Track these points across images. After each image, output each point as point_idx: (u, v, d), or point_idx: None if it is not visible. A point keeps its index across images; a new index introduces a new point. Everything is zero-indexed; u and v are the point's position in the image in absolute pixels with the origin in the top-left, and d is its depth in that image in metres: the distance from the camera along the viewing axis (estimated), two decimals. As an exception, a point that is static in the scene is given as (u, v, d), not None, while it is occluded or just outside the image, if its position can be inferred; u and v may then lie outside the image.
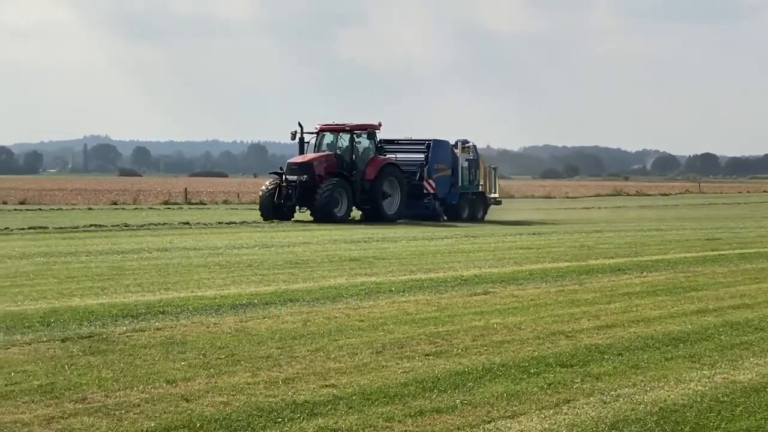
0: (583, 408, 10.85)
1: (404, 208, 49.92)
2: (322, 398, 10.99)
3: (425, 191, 51.11)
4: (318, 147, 50.19)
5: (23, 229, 38.03)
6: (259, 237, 35.45)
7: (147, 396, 10.99)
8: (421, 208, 50.91)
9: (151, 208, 61.00)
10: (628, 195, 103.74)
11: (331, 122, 50.75)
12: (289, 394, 11.17)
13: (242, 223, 45.32)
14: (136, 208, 59.99)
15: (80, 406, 10.54)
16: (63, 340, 14.06)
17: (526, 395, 11.34)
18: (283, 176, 48.26)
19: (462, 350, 13.89)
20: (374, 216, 48.97)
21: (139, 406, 10.56)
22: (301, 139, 50.15)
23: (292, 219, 47.47)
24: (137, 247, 29.97)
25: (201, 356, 13.15)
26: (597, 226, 45.27)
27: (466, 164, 53.32)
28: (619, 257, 28.00)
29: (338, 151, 49.82)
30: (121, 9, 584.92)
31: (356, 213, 50.03)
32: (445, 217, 51.84)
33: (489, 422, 10.25)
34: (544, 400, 11.13)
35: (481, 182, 54.58)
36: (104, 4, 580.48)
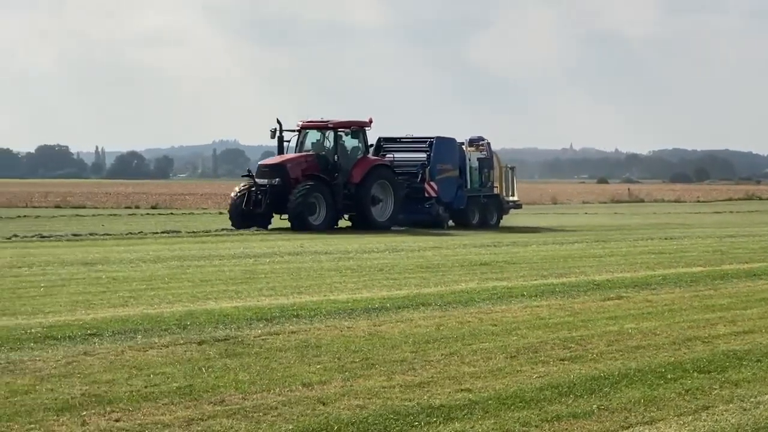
0: (722, 414, 10.69)
1: (398, 213, 44.47)
2: (457, 402, 10.99)
3: (426, 194, 45.49)
4: (300, 147, 44.57)
5: (156, 232, 38.67)
6: (388, 241, 35.53)
7: (284, 399, 11.09)
8: (423, 214, 45.51)
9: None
10: (760, 199, 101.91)
11: (315, 119, 44.98)
12: (425, 398, 11.18)
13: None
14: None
15: (219, 408, 10.67)
16: (199, 343, 14.25)
17: (663, 401, 11.20)
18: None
19: (597, 355, 13.78)
20: (362, 223, 43.60)
21: (276, 408, 10.66)
22: (280, 138, 44.35)
23: (269, 227, 42.48)
24: (269, 251, 30.27)
25: (336, 359, 13.23)
26: (730, 231, 44.52)
27: (476, 164, 47.88)
28: (755, 262, 27.52)
29: (323, 152, 44.09)
30: (253, 16, 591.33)
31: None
32: (452, 223, 46.64)
33: (627, 428, 10.16)
34: (682, 407, 10.99)
35: (496, 184, 48.94)
36: (236, 12, 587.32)
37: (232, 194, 43.49)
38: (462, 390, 11.57)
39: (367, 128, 44.71)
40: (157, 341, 14.37)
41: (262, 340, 14.61)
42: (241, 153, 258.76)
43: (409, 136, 47.80)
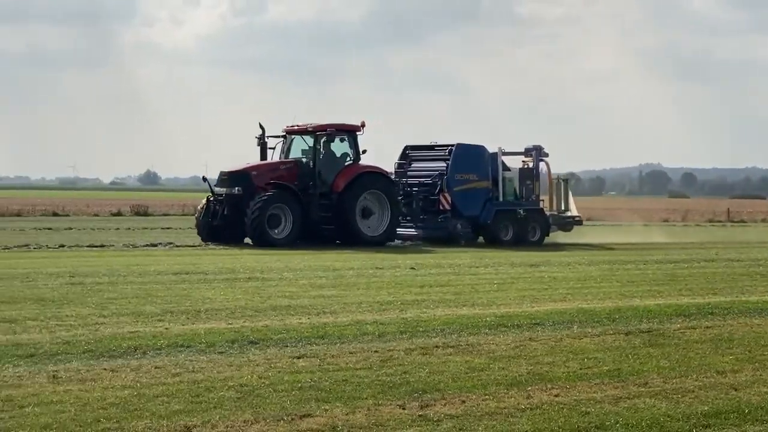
0: None
1: (395, 228, 34.41)
2: None
3: (441, 207, 35.43)
4: (287, 153, 34.79)
5: (582, 243, 38.41)
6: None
7: (699, 383, 10.77)
8: (438, 229, 35.49)
9: (698, 225, 60.08)
10: None
11: (300, 123, 34.97)
12: (830, 389, 10.54)
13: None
14: (685, 225, 59.17)
15: (642, 389, 10.51)
16: (626, 334, 14.08)
17: None
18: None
19: None
20: (346, 237, 33.46)
21: (693, 391, 10.37)
22: (263, 144, 34.83)
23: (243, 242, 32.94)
24: (687, 258, 29.47)
25: (747, 352, 12.72)
26: None
27: (512, 175, 36.86)
28: None
29: (306, 159, 34.33)
30: (670, 55, 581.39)
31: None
32: (479, 239, 36.22)
33: None
34: None
35: (543, 197, 37.72)
36: (657, 51, 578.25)
37: (199, 206, 34.63)
38: None
39: (358, 132, 34.52)
40: (590, 331, 14.33)
41: (681, 332, 14.27)
42: (663, 174, 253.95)
43: (433, 143, 37.66)
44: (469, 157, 36.26)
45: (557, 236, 37.62)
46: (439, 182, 35.59)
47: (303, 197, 32.99)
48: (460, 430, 8.85)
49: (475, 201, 35.87)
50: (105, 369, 11.00)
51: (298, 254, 28.54)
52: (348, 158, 34.47)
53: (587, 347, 12.98)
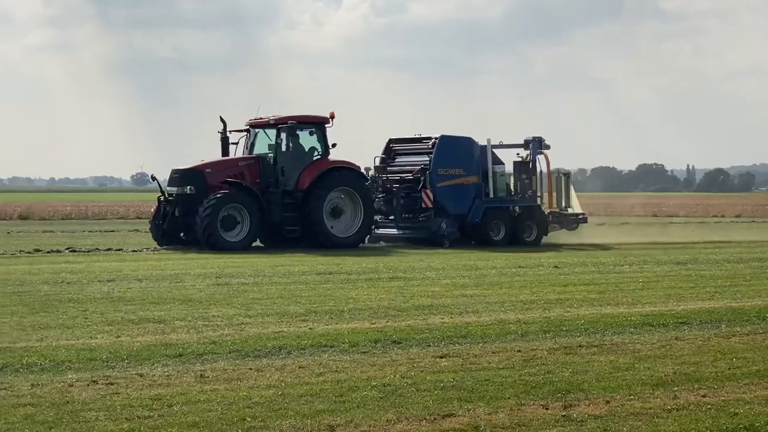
0: None
1: (368, 228, 31.68)
2: None
3: (423, 205, 32.34)
4: (250, 149, 31.87)
5: (733, 241, 37.53)
6: None
7: None
8: (420, 228, 32.65)
9: None
10: None
11: (265, 115, 31.85)
12: None
13: None
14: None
15: (795, 389, 10.26)
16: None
17: None
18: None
19: None
20: (313, 239, 30.59)
21: None
22: (224, 140, 31.97)
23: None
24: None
25: None
26: None
27: (502, 169, 33.63)
28: None
29: (270, 154, 31.46)
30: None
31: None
32: (477, 241, 32.98)
33: None
34: None
35: (539, 193, 34.23)
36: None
37: (152, 208, 32.46)
38: None
39: (327, 125, 31.48)
40: (739, 330, 14.03)
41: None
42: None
43: (417, 135, 34.19)
44: (455, 150, 33.18)
45: (559, 235, 34.98)
46: (421, 178, 32.66)
47: (264, 196, 30.51)
48: (604, 430, 8.76)
49: (462, 198, 32.96)
50: (250, 368, 11.22)
51: (439, 254, 28.57)
52: (316, 153, 31.65)
53: (736, 347, 12.70)
